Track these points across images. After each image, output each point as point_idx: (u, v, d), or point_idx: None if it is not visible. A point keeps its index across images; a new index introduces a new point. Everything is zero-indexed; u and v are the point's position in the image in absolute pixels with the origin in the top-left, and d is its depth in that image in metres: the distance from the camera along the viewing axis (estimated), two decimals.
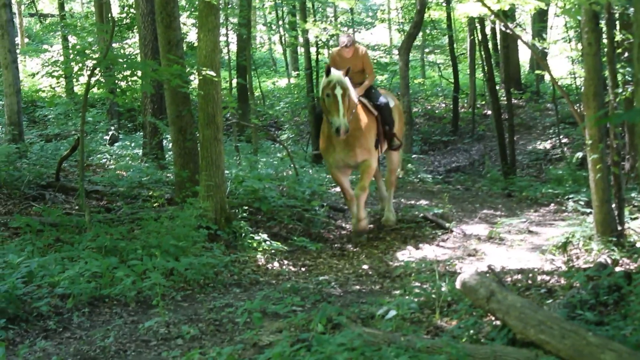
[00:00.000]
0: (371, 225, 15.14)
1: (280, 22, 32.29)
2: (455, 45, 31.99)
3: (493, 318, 7.17)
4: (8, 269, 9.56)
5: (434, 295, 8.91)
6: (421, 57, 37.36)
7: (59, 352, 7.77)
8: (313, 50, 27.13)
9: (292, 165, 18.50)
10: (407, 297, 9.11)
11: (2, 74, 20.92)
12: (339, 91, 13.16)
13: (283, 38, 33.75)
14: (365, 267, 12.25)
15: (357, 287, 10.98)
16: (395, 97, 17.24)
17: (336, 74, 13.32)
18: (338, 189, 18.61)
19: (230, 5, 27.03)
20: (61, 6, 33.40)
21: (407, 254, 13.06)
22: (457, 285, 7.76)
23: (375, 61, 30.99)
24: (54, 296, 9.36)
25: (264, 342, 7.23)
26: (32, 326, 8.70)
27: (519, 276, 10.36)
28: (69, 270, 9.95)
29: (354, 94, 13.82)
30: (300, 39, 28.46)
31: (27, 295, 9.17)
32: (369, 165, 14.10)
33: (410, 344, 6.21)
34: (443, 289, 9.02)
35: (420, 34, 30.48)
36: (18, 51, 23.88)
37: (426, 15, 25.97)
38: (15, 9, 28.63)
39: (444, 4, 28.55)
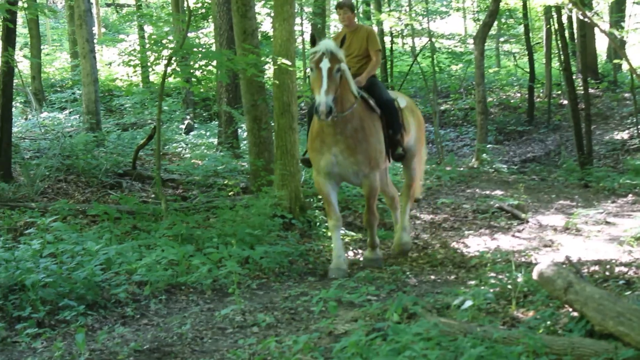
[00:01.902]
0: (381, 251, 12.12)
1: (356, 11, 32.27)
2: (531, 35, 31.63)
3: (570, 309, 7.09)
4: (87, 256, 9.70)
5: (509, 286, 8.83)
6: (496, 47, 37.04)
7: (136, 339, 7.85)
8: (387, 39, 27.04)
9: None
10: (482, 287, 9.05)
11: (80, 64, 21.22)
12: (325, 64, 10.48)
13: None
14: (440, 257, 12.20)
15: (432, 277, 10.94)
16: (409, 98, 13.96)
17: (325, 43, 10.73)
18: None
19: None
20: None
21: (482, 245, 12.97)
22: (534, 276, 7.68)
23: (449, 50, 30.75)
24: (131, 283, 9.48)
25: (340, 330, 7.24)
26: (111, 312, 8.82)
27: (597, 267, 10.21)
28: (146, 258, 10.07)
29: (350, 76, 11.10)
30: (375, 29, 28.39)
31: (105, 282, 9.30)
32: (370, 186, 11.31)
33: (486, 335, 6.17)
34: (519, 279, 8.94)
35: (496, 23, 30.18)
36: (95, 41, 24.14)
37: (502, 3, 25.75)
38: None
39: None
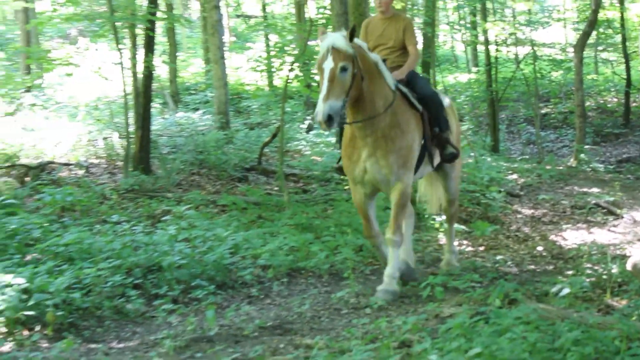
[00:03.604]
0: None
1: (462, 22, 31.98)
2: (627, 43, 30.93)
3: None
4: (216, 242, 9.87)
5: (605, 276, 8.72)
6: (594, 54, 36.35)
7: (260, 316, 7.96)
8: (492, 47, 26.76)
9: (472, 154, 18.33)
10: (579, 277, 8.93)
11: (212, 69, 21.51)
12: (328, 64, 8.21)
13: (464, 36, 33.42)
14: (539, 248, 12.06)
15: (532, 266, 10.84)
16: (448, 96, 11.65)
17: (330, 38, 8.40)
18: (515, 176, 18.29)
19: (416, 6, 26.92)
20: (264, 8, 34.02)
21: (579, 238, 12.77)
22: (628, 267, 7.57)
23: (550, 57, 30.29)
24: (256, 267, 9.62)
25: (445, 313, 7.21)
26: (237, 292, 8.97)
27: None
28: (270, 244, 10.20)
29: (385, 69, 9.01)
30: (481, 37, 28.08)
31: (233, 265, 9.46)
32: (401, 191, 8.89)
33: (582, 320, 6.09)
34: (614, 270, 8.82)
35: (594, 32, 29.64)
36: (226, 48, 24.44)
37: (600, 14, 25.28)
38: (223, 10, 29.24)
39: (618, 4, 27.74)
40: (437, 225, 12.68)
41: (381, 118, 8.69)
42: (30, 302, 7.22)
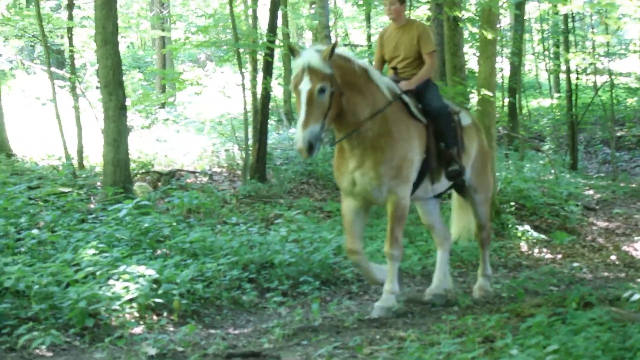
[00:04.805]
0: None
1: (546, 52, 31.50)
2: None
3: None
4: (322, 243, 9.88)
5: None
6: None
7: (359, 310, 7.95)
8: (573, 76, 26.31)
9: (552, 171, 18.03)
10: None
11: None
12: (305, 85, 6.95)
13: (548, 65, 32.92)
14: (612, 257, 11.82)
15: (605, 273, 10.63)
16: (475, 120, 9.49)
17: (306, 56, 7.05)
18: (591, 191, 17.89)
19: (505, 38, 26.64)
20: (368, 38, 34.10)
21: None
22: None
23: (626, 85, 29.65)
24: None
25: (525, 313, 7.09)
26: (339, 288, 9.00)
27: None
28: (369, 247, 10.22)
29: (376, 74, 7.67)
30: (563, 67, 27.62)
31: (336, 264, 9.47)
32: (395, 203, 7.53)
33: None
34: None
35: None
36: None
37: None
38: (332, 39, 29.41)
39: None
40: (519, 234, 12.51)
41: (368, 128, 7.39)
42: (160, 291, 7.35)
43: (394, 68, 8.33)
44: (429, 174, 7.92)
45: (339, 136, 7.50)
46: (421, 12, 18.71)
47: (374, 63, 8.70)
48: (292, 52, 7.32)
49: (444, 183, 8.22)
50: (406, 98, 7.81)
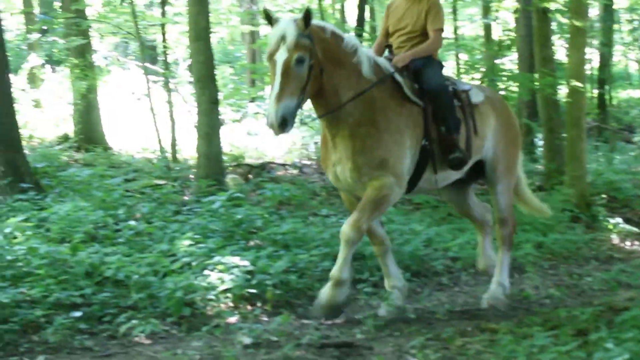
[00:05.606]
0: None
1: (636, 43, 30.84)
2: None
3: None
4: (412, 235, 9.85)
5: None
6: None
7: (450, 302, 7.93)
8: None
9: None
10: None
11: None
12: (281, 55, 6.18)
13: (637, 56, 32.23)
14: None
15: None
16: (495, 93, 9.07)
17: (283, 24, 6.27)
18: None
19: (594, 28, 26.13)
20: (455, 30, 33.83)
21: None
22: None
23: None
24: (446, 258, 9.56)
25: (619, 306, 6.97)
26: (429, 280, 8.94)
27: None
28: (459, 239, 10.10)
29: (362, 51, 6.74)
30: None
31: (426, 256, 9.41)
32: (377, 185, 6.55)
33: None
34: None
35: None
36: None
37: None
38: None
39: None
40: (610, 227, 12.28)
41: (348, 112, 6.56)
42: (253, 282, 7.42)
43: (389, 46, 7.52)
44: (431, 163, 7.01)
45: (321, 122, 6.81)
46: (509, 4, 18.48)
47: (378, 36, 7.90)
48: (268, 20, 6.43)
49: (451, 172, 7.26)
50: (399, 78, 6.91)
